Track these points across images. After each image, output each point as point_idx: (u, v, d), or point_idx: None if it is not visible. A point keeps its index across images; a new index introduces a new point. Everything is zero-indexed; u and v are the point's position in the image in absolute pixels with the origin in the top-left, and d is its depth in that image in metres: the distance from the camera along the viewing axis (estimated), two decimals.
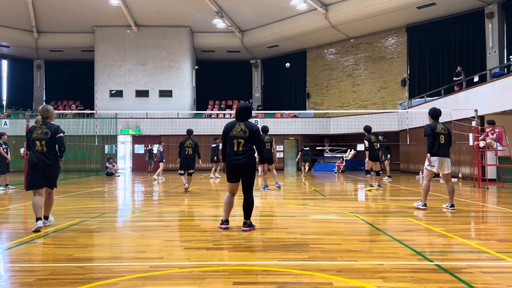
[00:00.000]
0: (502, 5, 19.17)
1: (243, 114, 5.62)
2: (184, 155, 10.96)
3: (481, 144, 12.55)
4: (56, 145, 5.79)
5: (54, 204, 8.53)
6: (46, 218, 5.99)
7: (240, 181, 5.58)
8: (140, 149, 25.56)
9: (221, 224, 5.67)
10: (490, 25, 19.53)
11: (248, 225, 5.54)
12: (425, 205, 7.56)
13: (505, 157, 12.98)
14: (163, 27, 27.29)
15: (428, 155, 7.38)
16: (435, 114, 7.60)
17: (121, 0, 23.88)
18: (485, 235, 5.28)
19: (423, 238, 5.06)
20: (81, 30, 27.69)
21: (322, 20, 23.83)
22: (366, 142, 11.33)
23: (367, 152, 11.39)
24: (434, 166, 7.39)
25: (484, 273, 3.63)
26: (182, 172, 11.36)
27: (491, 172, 13.82)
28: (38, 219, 5.53)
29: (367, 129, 11.53)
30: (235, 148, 5.47)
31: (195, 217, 6.84)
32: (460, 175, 16.33)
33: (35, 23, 26.75)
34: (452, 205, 7.48)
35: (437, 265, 3.84)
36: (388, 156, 16.66)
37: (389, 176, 16.17)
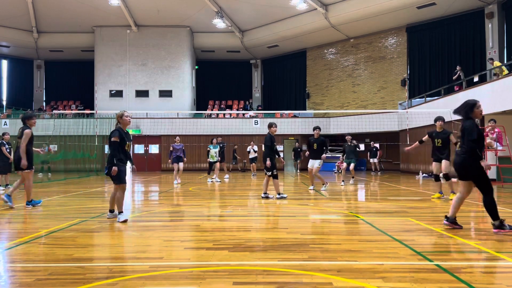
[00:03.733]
0: (502, 5, 19.16)
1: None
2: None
3: None
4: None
5: (55, 204, 8.60)
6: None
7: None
8: (140, 149, 25.56)
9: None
10: (490, 25, 19.52)
11: (496, 226, 5.24)
12: (327, 183, 11.96)
13: (505, 157, 12.98)
14: (163, 27, 27.27)
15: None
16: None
17: (121, 0, 23.87)
18: (485, 235, 5.28)
19: (423, 238, 5.06)
20: (81, 30, 27.67)
21: (322, 20, 23.82)
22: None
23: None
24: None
25: (484, 273, 3.63)
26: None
27: (491, 172, 13.79)
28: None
29: None
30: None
31: (195, 217, 6.83)
32: None
33: (35, 23, 26.73)
34: (312, 187, 11.56)
35: (437, 265, 3.83)
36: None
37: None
